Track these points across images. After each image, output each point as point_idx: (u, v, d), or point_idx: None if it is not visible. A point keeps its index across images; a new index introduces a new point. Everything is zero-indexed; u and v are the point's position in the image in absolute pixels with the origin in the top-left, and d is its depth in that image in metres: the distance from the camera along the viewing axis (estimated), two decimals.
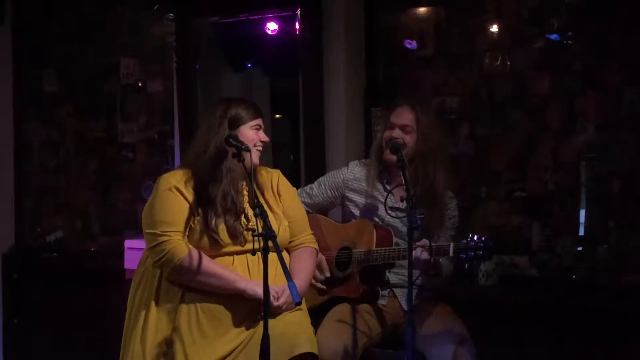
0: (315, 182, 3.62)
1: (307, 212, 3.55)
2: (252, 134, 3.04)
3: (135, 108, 5.29)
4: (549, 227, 4.07)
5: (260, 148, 3.09)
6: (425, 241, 3.05)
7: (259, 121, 3.08)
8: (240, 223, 2.99)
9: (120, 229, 5.24)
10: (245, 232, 2.98)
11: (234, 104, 3.08)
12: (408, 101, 3.44)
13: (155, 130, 5.23)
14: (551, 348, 3.80)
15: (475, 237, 2.95)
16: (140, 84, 5.29)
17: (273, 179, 3.18)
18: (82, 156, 5.49)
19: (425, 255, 3.03)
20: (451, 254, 3.00)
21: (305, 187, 3.63)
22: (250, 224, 3.00)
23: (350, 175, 3.52)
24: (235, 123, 3.03)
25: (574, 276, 3.98)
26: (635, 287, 3.71)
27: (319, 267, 3.38)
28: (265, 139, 3.09)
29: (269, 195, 3.12)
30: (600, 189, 3.98)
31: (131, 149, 5.32)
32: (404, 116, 3.37)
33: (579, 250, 4.02)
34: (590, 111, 4.00)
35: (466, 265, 2.96)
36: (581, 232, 4.03)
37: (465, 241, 2.97)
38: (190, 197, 2.98)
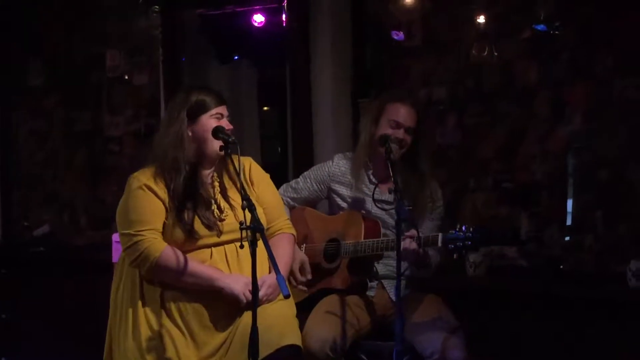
0: (301, 177, 3.61)
1: (293, 207, 3.54)
2: (212, 123, 2.98)
3: (122, 100, 5.28)
4: (537, 216, 4.08)
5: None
6: (413, 231, 3.05)
7: (220, 109, 3.00)
8: (213, 214, 2.96)
9: (107, 222, 5.22)
10: (219, 222, 2.95)
11: (195, 92, 3.02)
12: (410, 99, 3.40)
13: (141, 122, 5.21)
14: (540, 337, 3.81)
15: (464, 228, 2.94)
16: (126, 77, 5.27)
17: (245, 166, 3.11)
18: (69, 148, 5.46)
19: (414, 246, 3.02)
20: (439, 244, 3.00)
21: (291, 182, 3.61)
22: (223, 214, 2.97)
23: (336, 169, 3.51)
24: (195, 113, 2.97)
25: (562, 265, 3.99)
26: (622, 276, 3.72)
27: (302, 268, 3.36)
28: (229, 126, 3.01)
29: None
30: (588, 179, 3.99)
31: (118, 141, 5.30)
32: (410, 117, 3.33)
33: (567, 240, 4.03)
34: (578, 101, 4.01)
35: (455, 255, 2.95)
36: (569, 222, 4.04)
37: (453, 231, 2.96)
38: (162, 193, 2.94)
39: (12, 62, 5.57)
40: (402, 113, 3.34)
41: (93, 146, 5.36)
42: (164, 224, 2.94)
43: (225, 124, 3.00)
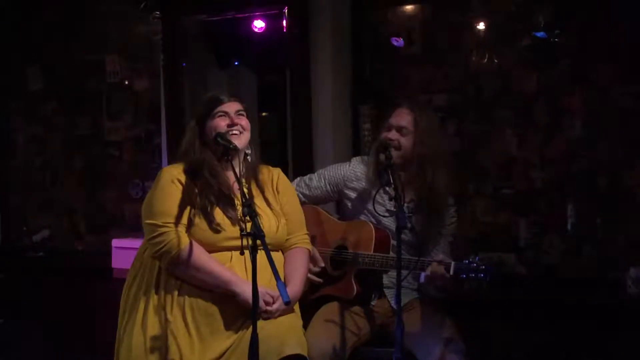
0: (316, 174, 3.59)
1: (304, 203, 3.52)
2: (219, 122, 3.03)
3: (122, 106, 5.27)
4: (536, 224, 4.09)
5: (237, 132, 3.04)
6: (444, 257, 3.03)
7: (222, 107, 3.05)
8: (236, 212, 2.98)
9: (107, 228, 5.22)
10: (242, 224, 2.96)
11: (202, 101, 3.12)
12: (408, 103, 3.42)
13: (141, 128, 5.21)
14: (539, 344, 3.82)
15: (477, 259, 2.93)
16: (126, 82, 5.27)
17: (274, 177, 3.19)
18: (68, 154, 5.46)
19: (442, 270, 2.98)
20: (451, 272, 2.98)
21: (305, 177, 3.59)
22: (247, 218, 2.98)
23: (351, 173, 3.49)
24: (204, 118, 3.06)
25: (561, 273, 3.99)
26: (621, 283, 3.72)
27: (312, 259, 3.34)
28: (238, 120, 3.04)
29: (268, 193, 3.12)
30: (587, 186, 4.00)
31: (117, 147, 5.30)
32: (402, 117, 3.35)
33: (566, 247, 4.03)
34: (577, 108, 4.02)
35: (465, 286, 2.92)
36: (568, 229, 4.04)
37: (467, 261, 2.95)
38: (190, 189, 2.98)
39: (11, 68, 5.57)
40: (394, 113, 3.37)
41: (92, 152, 5.36)
42: (189, 219, 2.96)
43: (232, 119, 3.03)
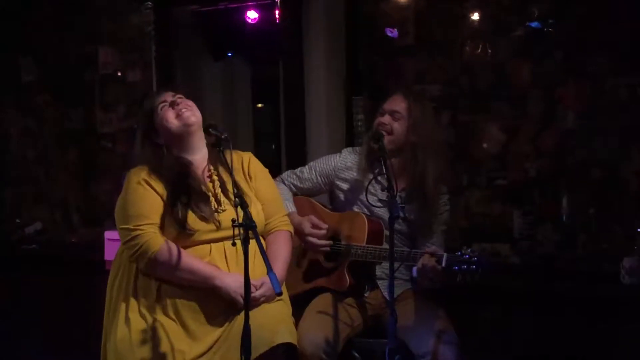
0: (307, 166, 3.56)
1: (295, 194, 3.50)
2: (163, 113, 3.00)
3: (115, 98, 5.26)
4: (530, 215, 4.08)
5: (185, 109, 2.99)
6: (434, 248, 3.03)
7: (161, 98, 3.02)
8: (210, 207, 2.95)
9: (100, 220, 5.20)
10: (216, 215, 2.94)
11: (138, 114, 3.12)
12: (403, 89, 3.42)
13: (134, 120, 5.18)
14: (533, 335, 3.82)
15: (470, 250, 2.92)
16: (119, 74, 5.25)
17: (244, 161, 3.13)
18: (61, 146, 5.44)
19: (432, 263, 2.98)
20: (443, 264, 2.97)
21: (296, 170, 3.57)
22: (220, 208, 2.96)
23: (342, 164, 3.47)
24: (148, 115, 3.03)
25: (555, 263, 3.99)
26: (615, 274, 3.72)
27: (313, 225, 3.30)
28: (184, 103, 3.00)
29: (240, 179, 3.04)
30: (581, 177, 3.99)
31: (111, 138, 5.28)
32: (395, 102, 3.34)
33: (560, 238, 4.03)
34: (572, 99, 4.01)
35: (458, 277, 2.92)
36: (562, 220, 4.04)
37: (459, 253, 2.94)
38: (160, 189, 2.95)
39: (3, 60, 5.54)
40: (389, 99, 3.36)
41: (86, 144, 5.34)
42: (162, 220, 2.94)
43: (179, 106, 3.00)
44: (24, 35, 5.49)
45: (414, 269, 3.05)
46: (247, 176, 3.10)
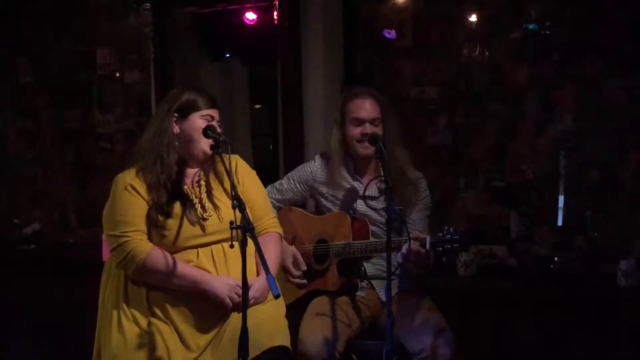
0: (284, 178, 3.60)
1: (279, 207, 3.53)
2: (201, 123, 2.97)
3: (113, 98, 5.26)
4: (527, 216, 4.09)
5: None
6: (417, 233, 3.04)
7: (211, 112, 2.99)
8: (196, 213, 2.95)
9: (98, 221, 5.17)
10: (202, 222, 2.94)
11: (188, 91, 3.02)
12: (368, 92, 3.40)
13: (132, 120, 5.20)
14: (530, 337, 3.82)
15: (452, 230, 2.94)
16: (117, 74, 5.25)
17: (231, 164, 3.08)
18: (58, 147, 5.44)
19: (416, 246, 3.00)
20: (427, 246, 2.99)
21: (275, 183, 3.59)
22: (206, 214, 2.95)
23: (318, 169, 3.50)
24: (186, 110, 2.97)
25: (551, 265, 4.00)
26: (612, 275, 3.73)
27: (295, 262, 3.37)
28: (220, 129, 2.99)
29: (227, 183, 3.00)
30: (578, 179, 4.00)
31: (108, 139, 5.28)
32: (371, 109, 3.34)
33: (557, 240, 4.04)
34: (568, 101, 4.02)
35: (444, 258, 2.94)
36: (559, 222, 4.05)
37: (441, 234, 2.96)
38: (146, 194, 2.93)
39: (0, 61, 5.54)
40: (361, 108, 3.35)
41: (83, 144, 5.34)
42: (148, 226, 2.92)
43: (217, 127, 2.99)
44: (22, 36, 5.49)
45: (399, 254, 3.06)
46: (236, 179, 3.09)
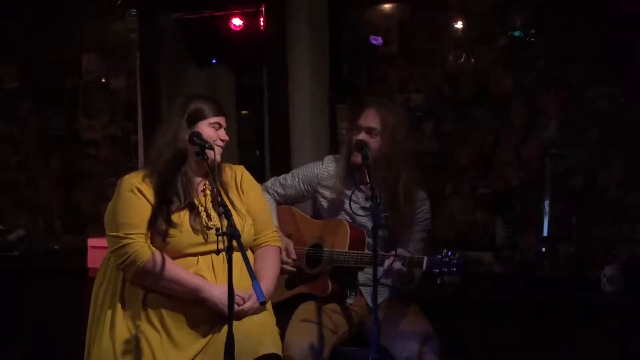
0: (290, 173, 3.58)
1: (279, 203, 3.52)
2: (210, 131, 2.99)
3: (98, 104, 5.25)
4: (512, 223, 4.11)
5: (221, 144, 3.04)
6: (400, 251, 3.04)
7: (219, 119, 3.03)
8: (201, 221, 2.97)
9: (83, 227, 5.18)
10: (206, 230, 2.95)
11: (195, 100, 3.05)
12: (375, 103, 3.40)
13: (118, 126, 5.19)
14: (515, 343, 3.83)
15: (450, 253, 2.94)
16: (103, 80, 5.24)
17: (237, 175, 3.13)
18: (44, 153, 5.42)
19: (397, 266, 3.02)
20: (424, 267, 3.00)
21: (279, 177, 3.57)
22: (211, 222, 2.97)
23: (324, 172, 3.49)
24: (194, 118, 2.99)
25: (537, 271, 4.01)
26: (597, 282, 3.75)
27: (287, 251, 3.34)
28: (225, 138, 3.04)
29: (233, 194, 3.07)
30: (563, 186, 4.02)
31: (94, 145, 5.27)
32: (370, 119, 3.34)
33: (542, 246, 4.05)
34: (553, 108, 4.05)
35: (438, 280, 2.95)
36: (544, 228, 4.07)
37: (439, 256, 2.96)
38: (152, 198, 2.94)
39: None
40: (363, 115, 3.36)
41: (68, 150, 5.32)
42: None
43: (222, 134, 3.02)
44: (6, 42, 5.47)
45: (381, 269, 3.07)
46: (240, 190, 3.11)
